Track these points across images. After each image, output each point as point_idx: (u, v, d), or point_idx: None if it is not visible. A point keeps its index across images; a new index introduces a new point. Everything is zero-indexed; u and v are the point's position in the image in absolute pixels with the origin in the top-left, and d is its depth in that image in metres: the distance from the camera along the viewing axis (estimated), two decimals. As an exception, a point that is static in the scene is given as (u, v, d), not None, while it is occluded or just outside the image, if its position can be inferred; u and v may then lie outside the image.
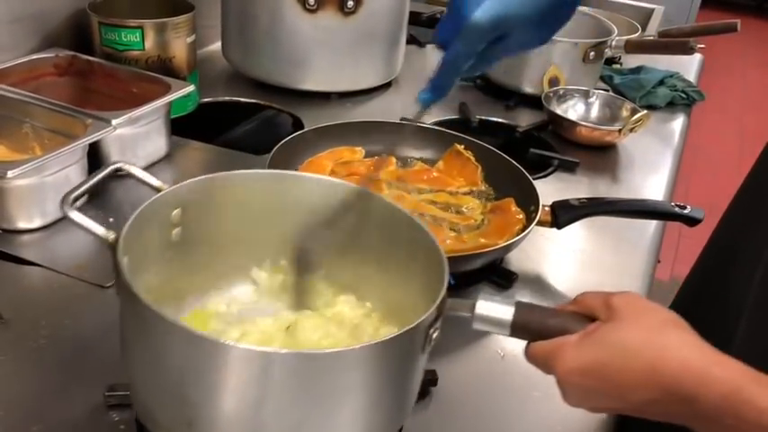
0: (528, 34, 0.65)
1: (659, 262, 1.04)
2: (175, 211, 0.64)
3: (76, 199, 0.59)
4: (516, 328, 0.55)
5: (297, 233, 0.69)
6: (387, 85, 1.38)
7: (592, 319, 0.53)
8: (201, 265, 0.68)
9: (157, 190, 0.62)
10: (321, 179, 0.71)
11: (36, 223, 0.86)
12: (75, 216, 0.57)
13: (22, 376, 0.66)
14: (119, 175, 0.64)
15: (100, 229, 0.57)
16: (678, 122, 1.39)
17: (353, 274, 0.70)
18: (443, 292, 0.55)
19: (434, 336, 0.55)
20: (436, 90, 0.67)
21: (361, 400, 0.54)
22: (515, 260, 0.91)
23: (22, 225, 0.85)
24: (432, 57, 1.58)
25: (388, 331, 0.64)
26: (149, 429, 0.58)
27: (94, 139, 0.86)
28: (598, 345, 0.51)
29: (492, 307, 0.55)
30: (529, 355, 0.55)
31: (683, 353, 0.49)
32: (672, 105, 1.43)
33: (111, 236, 0.56)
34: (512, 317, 0.54)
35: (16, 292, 0.76)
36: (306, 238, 0.68)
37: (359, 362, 0.52)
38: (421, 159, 1.04)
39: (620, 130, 1.21)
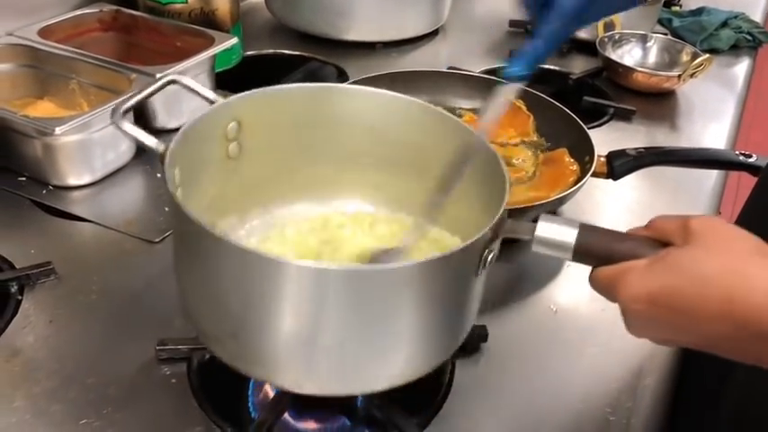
0: None
1: (719, 214, 0.99)
2: (231, 125, 0.62)
3: (127, 111, 0.58)
4: (579, 252, 0.50)
5: (356, 152, 0.66)
6: (433, 33, 1.34)
7: (665, 244, 0.48)
8: (262, 183, 0.67)
9: (211, 102, 0.61)
10: (374, 92, 0.67)
11: (85, 179, 0.86)
12: (126, 126, 0.57)
13: (76, 330, 0.67)
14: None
15: (150, 139, 0.56)
16: (742, 66, 1.32)
17: (410, 191, 0.67)
18: (499, 213, 0.52)
19: (489, 258, 0.52)
20: (538, 55, 0.56)
21: (411, 320, 0.52)
22: (569, 213, 0.88)
23: (71, 182, 0.86)
24: (480, 2, 1.53)
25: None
26: (199, 339, 0.57)
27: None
28: (670, 270, 0.45)
29: (553, 229, 0.51)
30: (592, 281, 0.50)
31: (765, 283, 0.43)
32: (735, 48, 1.35)
33: (161, 147, 0.54)
34: (575, 239, 0.50)
35: (68, 248, 0.77)
36: (362, 152, 0.66)
37: (409, 279, 0.49)
38: (470, 110, 1.01)
39: (679, 76, 1.15)
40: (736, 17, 1.39)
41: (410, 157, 0.66)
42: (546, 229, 0.51)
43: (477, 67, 1.21)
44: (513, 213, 0.78)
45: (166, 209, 0.84)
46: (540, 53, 0.56)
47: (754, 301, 0.43)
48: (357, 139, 0.67)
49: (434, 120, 0.64)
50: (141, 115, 0.94)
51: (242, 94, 0.62)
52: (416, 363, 0.55)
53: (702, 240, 0.46)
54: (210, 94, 0.62)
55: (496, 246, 0.52)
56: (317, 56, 1.25)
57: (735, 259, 0.45)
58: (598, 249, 0.50)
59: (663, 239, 0.48)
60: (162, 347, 0.64)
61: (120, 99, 0.58)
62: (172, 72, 0.89)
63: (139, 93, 0.60)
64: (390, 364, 0.54)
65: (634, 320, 0.48)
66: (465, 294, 0.54)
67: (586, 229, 0.51)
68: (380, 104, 0.66)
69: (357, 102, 0.66)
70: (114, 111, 0.57)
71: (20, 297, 0.70)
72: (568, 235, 0.51)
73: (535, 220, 0.52)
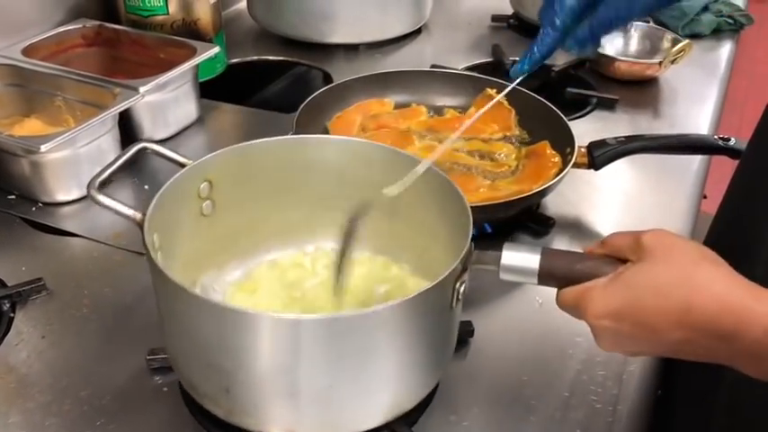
0: None
1: (705, 197, 1.00)
2: (202, 185, 0.65)
3: (103, 183, 0.60)
4: (543, 276, 0.53)
5: (327, 196, 0.68)
6: (416, 32, 1.35)
7: (622, 261, 0.51)
8: (238, 235, 0.69)
9: (182, 165, 0.63)
10: (345, 140, 0.70)
11: (74, 195, 0.87)
12: (102, 199, 0.59)
13: (68, 344, 0.68)
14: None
15: (127, 210, 0.58)
16: (725, 50, 1.32)
17: (385, 234, 0.69)
18: (467, 246, 0.54)
19: (462, 290, 0.55)
20: (539, 58, 0.65)
21: (392, 360, 0.54)
22: (553, 205, 0.89)
23: (60, 197, 0.87)
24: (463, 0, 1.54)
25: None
26: (192, 396, 0.60)
27: (122, 108, 0.87)
28: (628, 286, 0.49)
29: (517, 256, 0.54)
30: (559, 303, 0.54)
31: (718, 289, 0.47)
32: (718, 32, 1.36)
33: (138, 215, 0.57)
34: (538, 264, 0.53)
35: (59, 264, 0.78)
36: (332, 196, 0.68)
37: (385, 321, 0.52)
38: (452, 107, 1.02)
39: (660, 63, 1.16)
40: (716, 1, 1.39)
41: (382, 202, 0.66)
42: (510, 257, 0.54)
43: (460, 63, 1.22)
44: (498, 208, 0.80)
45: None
46: (541, 56, 0.65)
47: (708, 306, 0.46)
48: (327, 183, 0.69)
49: (398, 161, 0.66)
50: (129, 128, 0.95)
51: (211, 154, 0.65)
52: (403, 398, 0.57)
53: (654, 255, 0.49)
54: (180, 158, 0.64)
55: (466, 277, 0.54)
56: (301, 60, 1.26)
57: (684, 270, 0.48)
58: (560, 271, 0.53)
59: (619, 256, 0.52)
60: (153, 357, 0.65)
61: (97, 172, 0.60)
62: (152, 87, 0.90)
63: (111, 165, 0.62)
64: (378, 403, 0.56)
65: (602, 337, 0.51)
66: (442, 328, 0.57)
67: (548, 253, 0.54)
68: (348, 150, 0.68)
69: (324, 150, 0.69)
70: (90, 184, 0.59)
71: (12, 314, 0.71)
72: (531, 261, 0.53)
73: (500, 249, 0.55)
